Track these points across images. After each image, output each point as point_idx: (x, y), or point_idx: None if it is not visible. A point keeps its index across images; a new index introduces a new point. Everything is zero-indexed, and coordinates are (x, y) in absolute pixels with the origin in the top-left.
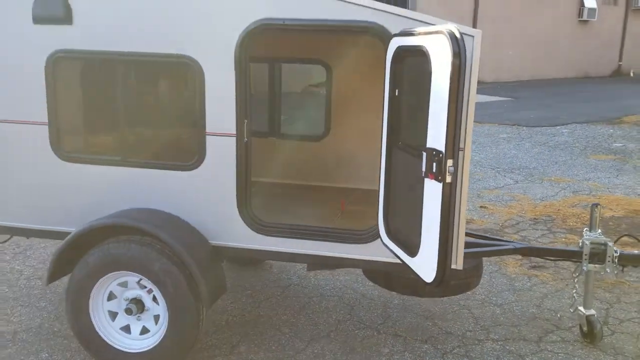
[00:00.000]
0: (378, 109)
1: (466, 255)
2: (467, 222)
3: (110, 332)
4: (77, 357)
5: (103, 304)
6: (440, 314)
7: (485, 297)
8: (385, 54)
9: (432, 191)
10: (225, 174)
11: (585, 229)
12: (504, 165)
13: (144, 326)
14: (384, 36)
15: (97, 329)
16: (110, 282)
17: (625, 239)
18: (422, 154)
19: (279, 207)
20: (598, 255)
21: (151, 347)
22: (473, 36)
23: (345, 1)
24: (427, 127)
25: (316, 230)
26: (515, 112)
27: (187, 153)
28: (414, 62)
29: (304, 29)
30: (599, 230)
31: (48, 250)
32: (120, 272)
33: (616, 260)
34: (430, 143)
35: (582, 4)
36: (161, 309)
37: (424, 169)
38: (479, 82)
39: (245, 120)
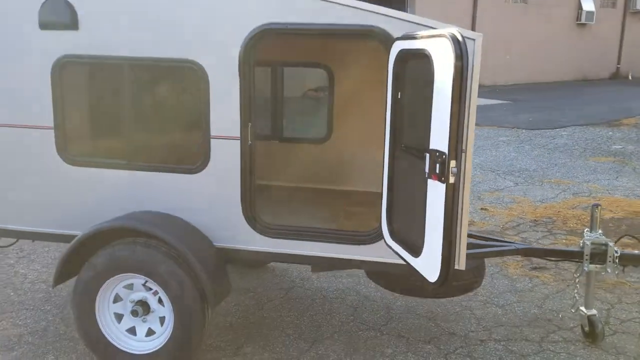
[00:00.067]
0: (380, 112)
1: (468, 255)
2: (468, 224)
3: (116, 334)
4: None
5: (109, 306)
6: (443, 315)
7: (487, 298)
8: (388, 57)
9: (436, 192)
10: (230, 176)
11: (586, 229)
12: (503, 168)
13: (149, 328)
14: (387, 40)
15: (103, 331)
16: (116, 284)
17: (625, 240)
18: (425, 156)
19: (282, 210)
20: (599, 255)
21: (157, 348)
22: (474, 39)
23: (349, 5)
24: (430, 129)
25: (320, 232)
26: (514, 115)
27: (192, 156)
28: (416, 64)
29: (307, 34)
30: (600, 231)
31: (51, 254)
32: (126, 274)
33: (617, 260)
34: (433, 145)
35: (580, 7)
36: (166, 310)
37: (427, 170)
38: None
39: (250, 124)
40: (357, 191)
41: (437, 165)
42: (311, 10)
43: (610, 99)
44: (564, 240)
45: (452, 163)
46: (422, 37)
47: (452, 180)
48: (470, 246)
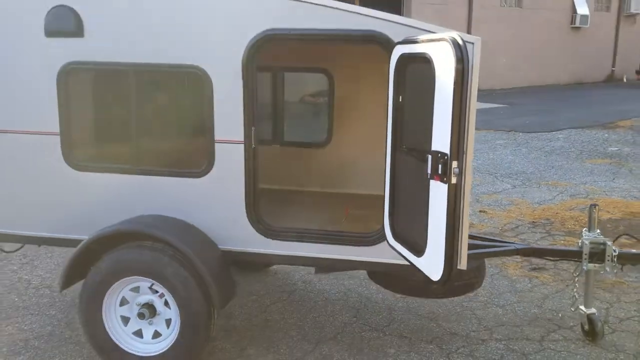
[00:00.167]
0: (380, 115)
1: (469, 256)
2: (469, 226)
3: (123, 337)
4: None
5: (116, 309)
6: (444, 316)
7: (488, 298)
8: (389, 62)
9: (438, 192)
10: (234, 180)
11: (584, 229)
12: (501, 171)
13: (155, 330)
14: (387, 44)
15: (110, 333)
16: (122, 288)
17: (622, 240)
18: (427, 157)
19: (284, 213)
20: (597, 254)
21: (163, 350)
22: (473, 43)
23: (350, 11)
24: (432, 131)
25: (324, 233)
26: (511, 119)
27: (196, 160)
28: (417, 68)
29: (309, 39)
30: (598, 230)
31: (54, 260)
32: (133, 277)
33: (615, 259)
34: (435, 146)
35: (574, 11)
36: (173, 313)
37: (429, 171)
38: None
39: (253, 128)
40: (358, 194)
41: (439, 166)
42: (313, 16)
43: (605, 102)
44: (562, 241)
45: (454, 164)
46: (422, 41)
47: (454, 180)
48: (470, 247)
